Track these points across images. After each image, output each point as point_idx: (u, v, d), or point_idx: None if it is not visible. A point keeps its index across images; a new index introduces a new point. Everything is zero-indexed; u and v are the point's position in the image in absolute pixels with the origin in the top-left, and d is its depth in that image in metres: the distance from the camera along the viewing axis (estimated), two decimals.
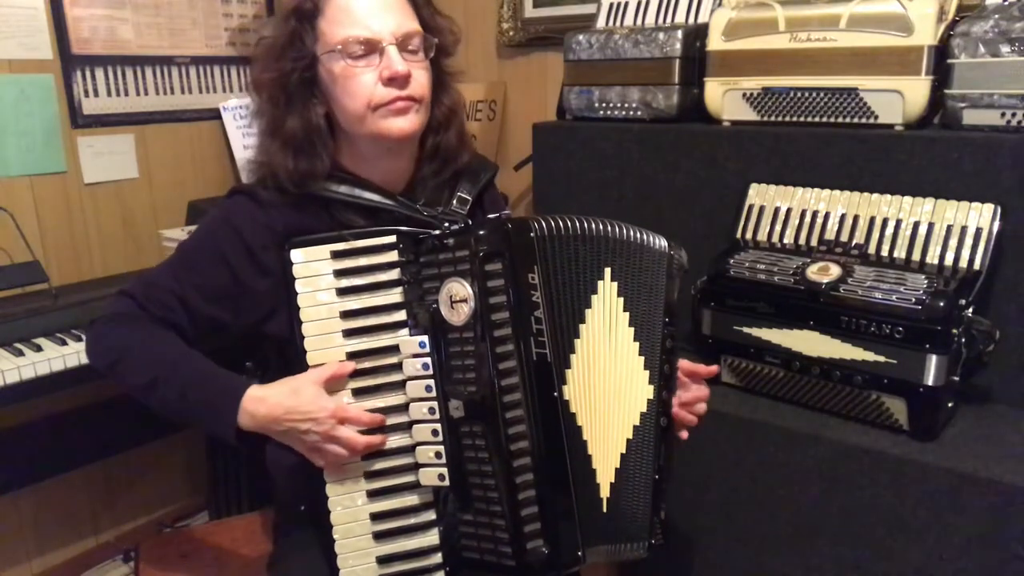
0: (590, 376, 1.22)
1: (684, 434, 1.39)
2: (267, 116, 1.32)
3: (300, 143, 1.29)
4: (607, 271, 1.24)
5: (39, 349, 1.88)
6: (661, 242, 1.30)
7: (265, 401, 1.20)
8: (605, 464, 1.23)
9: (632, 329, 1.25)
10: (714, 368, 1.41)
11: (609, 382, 1.24)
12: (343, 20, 1.25)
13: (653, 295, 1.28)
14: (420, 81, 1.29)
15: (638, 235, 1.28)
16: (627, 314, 1.25)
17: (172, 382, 1.24)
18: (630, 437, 1.25)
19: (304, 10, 1.27)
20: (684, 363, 1.37)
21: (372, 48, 1.25)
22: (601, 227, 1.24)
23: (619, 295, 1.24)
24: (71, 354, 1.88)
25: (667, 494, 1.31)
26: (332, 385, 1.22)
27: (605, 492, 1.23)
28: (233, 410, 1.20)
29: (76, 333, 1.96)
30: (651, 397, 1.27)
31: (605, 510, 1.23)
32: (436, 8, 1.37)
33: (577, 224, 1.23)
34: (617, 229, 1.26)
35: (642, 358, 1.26)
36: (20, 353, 1.86)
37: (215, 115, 2.70)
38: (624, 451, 1.24)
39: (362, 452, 1.22)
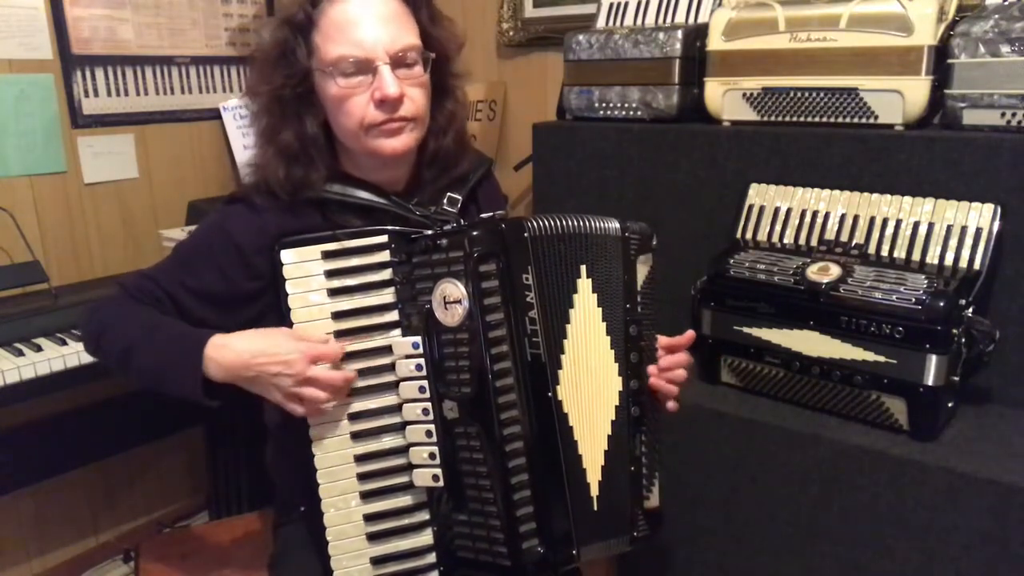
0: (577, 376, 1.22)
1: (672, 405, 1.35)
2: (263, 124, 1.32)
3: (295, 153, 1.28)
4: (583, 268, 1.23)
5: (39, 349, 1.89)
6: (613, 225, 1.28)
7: (230, 346, 1.19)
8: (593, 462, 1.23)
9: (604, 324, 1.25)
10: (690, 334, 1.37)
11: (591, 380, 1.24)
12: (336, 36, 1.23)
13: (614, 283, 1.27)
14: (414, 100, 1.28)
15: (597, 224, 1.26)
16: (600, 309, 1.25)
17: (145, 348, 1.24)
18: (610, 433, 1.25)
19: (297, 22, 1.26)
20: (662, 339, 1.36)
21: (365, 67, 1.24)
22: (576, 223, 1.23)
23: (593, 291, 1.24)
24: (71, 354, 1.89)
25: (654, 484, 1.30)
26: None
27: (595, 490, 1.23)
28: (197, 360, 1.19)
29: (76, 333, 1.96)
30: (621, 389, 1.26)
31: (596, 508, 1.23)
32: (437, 14, 1.35)
33: (560, 222, 1.22)
34: (586, 223, 1.25)
35: (612, 351, 1.26)
36: (20, 353, 1.86)
37: (215, 115, 2.71)
38: (607, 448, 1.24)
39: (341, 390, 1.20)
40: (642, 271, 1.30)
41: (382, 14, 1.24)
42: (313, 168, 1.29)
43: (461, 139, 1.41)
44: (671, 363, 1.34)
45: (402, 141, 1.28)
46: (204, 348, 1.19)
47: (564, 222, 1.22)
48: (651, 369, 1.31)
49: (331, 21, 1.24)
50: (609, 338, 1.25)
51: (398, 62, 1.25)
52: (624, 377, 1.26)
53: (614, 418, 1.26)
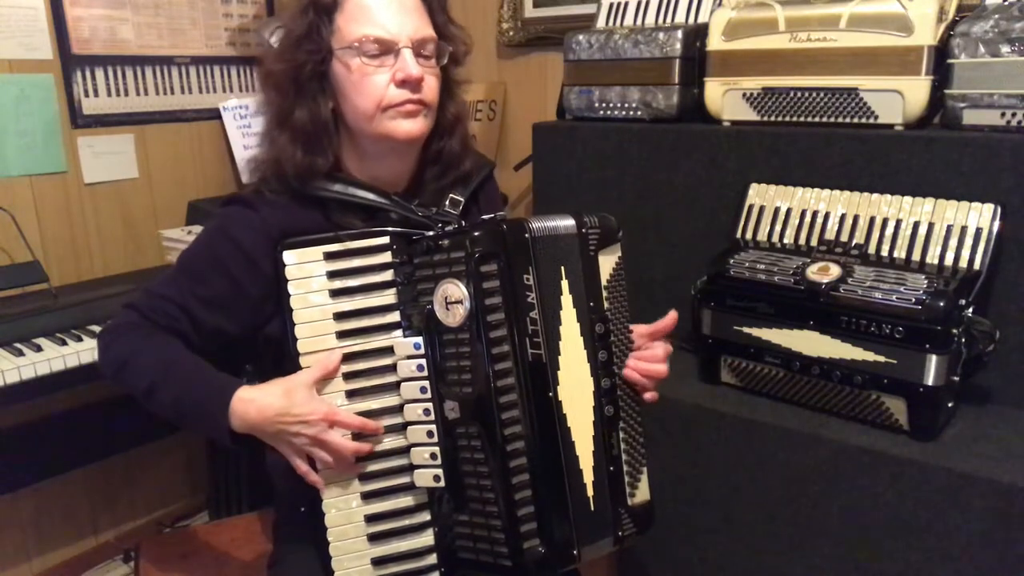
0: (570, 376, 1.22)
1: (649, 396, 1.34)
2: (274, 106, 1.32)
3: (309, 135, 1.29)
4: (562, 268, 1.23)
5: (39, 349, 1.88)
6: (568, 222, 1.26)
7: (255, 403, 1.20)
8: (587, 462, 1.23)
9: (579, 324, 1.25)
10: (671, 317, 1.35)
11: (579, 381, 1.24)
12: (361, 18, 1.26)
13: (579, 282, 1.26)
14: (431, 86, 1.30)
15: (558, 223, 1.25)
16: (575, 310, 1.24)
17: (169, 386, 1.25)
18: (593, 434, 1.25)
19: (323, 4, 1.28)
20: (641, 327, 1.35)
21: (387, 49, 1.26)
22: (551, 224, 1.23)
23: (570, 291, 1.24)
24: (71, 354, 1.89)
25: (639, 480, 1.30)
26: (324, 382, 1.22)
27: (591, 491, 1.23)
28: (223, 412, 1.20)
29: (76, 333, 1.96)
30: (593, 389, 1.26)
31: (593, 508, 1.23)
32: (451, 17, 1.38)
33: (549, 223, 1.23)
34: (556, 223, 1.24)
35: (585, 351, 1.25)
36: (20, 353, 1.86)
37: (215, 115, 2.71)
38: (593, 448, 1.24)
39: (350, 457, 1.21)
40: (607, 266, 1.28)
41: (405, 4, 1.28)
42: (321, 155, 1.30)
43: (465, 142, 1.43)
44: (646, 357, 1.33)
45: (417, 125, 1.29)
46: (231, 403, 1.20)
47: (550, 222, 1.23)
48: (630, 363, 1.30)
49: (356, 4, 1.27)
50: (583, 338, 1.25)
51: (418, 51, 1.28)
52: (595, 377, 1.26)
53: (594, 419, 1.25)
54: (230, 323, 1.32)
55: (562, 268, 1.23)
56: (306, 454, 1.21)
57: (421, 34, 1.28)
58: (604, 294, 1.27)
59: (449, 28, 1.36)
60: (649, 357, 1.33)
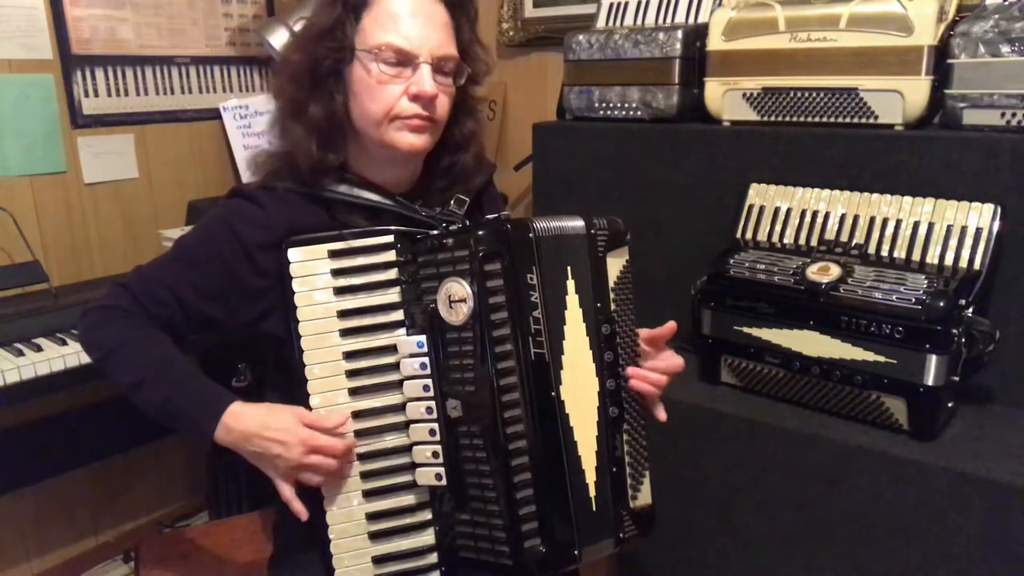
0: (574, 376, 1.22)
1: (661, 414, 1.35)
2: (288, 97, 1.31)
3: (322, 129, 1.28)
4: (569, 269, 1.23)
5: (39, 349, 1.88)
6: (579, 223, 1.26)
7: (243, 417, 1.21)
8: (589, 463, 1.22)
9: (585, 324, 1.24)
10: (670, 326, 1.35)
11: (583, 381, 1.23)
12: (387, 24, 1.25)
13: (586, 283, 1.26)
14: (443, 104, 1.29)
15: (566, 223, 1.25)
16: (581, 310, 1.24)
17: (158, 386, 1.24)
18: (596, 434, 1.24)
19: (352, 1, 1.27)
20: (643, 331, 1.35)
21: (406, 61, 1.25)
22: (558, 224, 1.23)
23: (576, 292, 1.24)
24: (71, 354, 1.89)
25: (641, 483, 1.30)
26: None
27: (592, 491, 1.22)
28: (213, 421, 1.21)
29: (76, 333, 1.96)
30: (599, 389, 1.25)
31: (594, 509, 1.23)
32: (478, 37, 1.37)
33: (555, 223, 1.23)
34: (564, 223, 1.24)
35: (591, 352, 1.25)
36: (20, 353, 1.86)
37: (215, 115, 2.70)
38: (596, 448, 1.24)
39: (339, 474, 1.22)
40: (614, 268, 1.29)
41: (434, 18, 1.27)
42: (334, 151, 1.29)
43: (479, 158, 1.43)
44: (660, 368, 1.33)
45: (422, 140, 1.29)
46: (223, 414, 1.21)
47: (556, 223, 1.23)
48: (631, 371, 1.30)
49: (385, 9, 1.26)
50: (588, 338, 1.25)
51: (437, 67, 1.27)
52: (600, 378, 1.25)
53: (598, 419, 1.25)
54: (221, 312, 1.31)
55: (568, 268, 1.23)
56: (293, 478, 1.21)
57: (443, 51, 1.27)
58: (611, 295, 1.27)
59: (474, 48, 1.35)
60: (664, 368, 1.33)
